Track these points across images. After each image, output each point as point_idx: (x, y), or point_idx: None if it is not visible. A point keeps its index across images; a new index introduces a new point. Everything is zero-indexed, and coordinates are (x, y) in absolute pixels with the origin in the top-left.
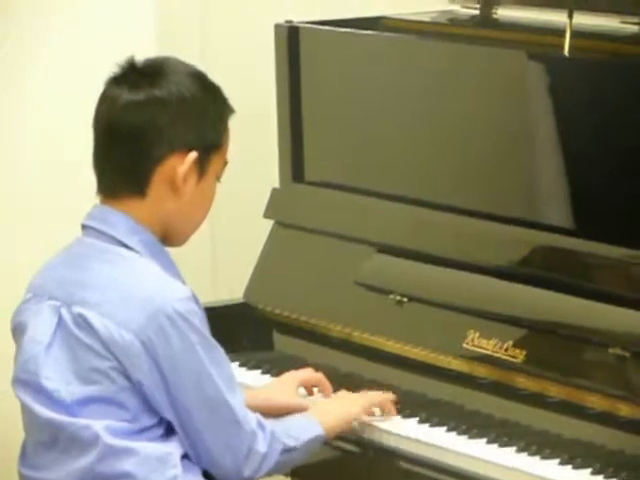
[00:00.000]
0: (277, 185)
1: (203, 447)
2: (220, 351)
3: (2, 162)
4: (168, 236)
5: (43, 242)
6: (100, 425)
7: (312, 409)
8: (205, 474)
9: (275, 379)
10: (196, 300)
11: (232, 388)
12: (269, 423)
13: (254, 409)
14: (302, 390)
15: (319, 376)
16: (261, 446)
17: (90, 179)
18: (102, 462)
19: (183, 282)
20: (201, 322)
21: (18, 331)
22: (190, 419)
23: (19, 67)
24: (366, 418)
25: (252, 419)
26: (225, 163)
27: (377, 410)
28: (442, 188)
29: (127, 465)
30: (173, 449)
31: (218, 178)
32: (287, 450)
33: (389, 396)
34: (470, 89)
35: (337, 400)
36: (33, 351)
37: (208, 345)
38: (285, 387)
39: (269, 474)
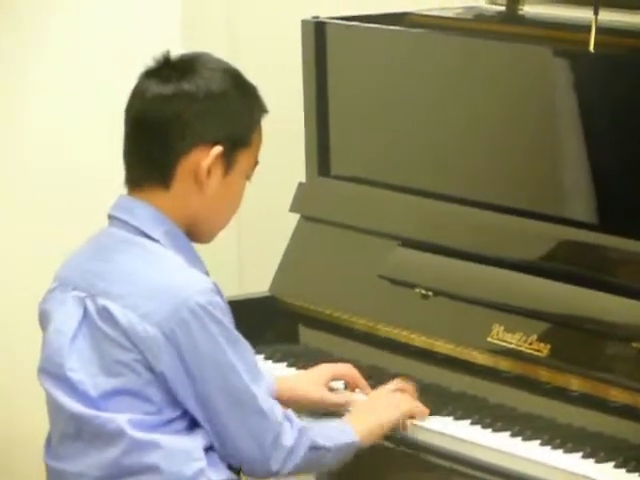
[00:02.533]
0: (303, 179)
1: (229, 439)
2: (243, 342)
3: (4, 161)
4: (194, 231)
5: (46, 242)
6: (124, 418)
7: (347, 416)
8: (231, 467)
9: (306, 372)
10: (219, 292)
11: (256, 379)
12: (301, 421)
13: (284, 399)
14: (338, 384)
15: (354, 374)
16: (288, 439)
17: (93, 177)
18: (127, 455)
19: (207, 274)
20: (223, 314)
21: (43, 319)
22: (215, 411)
23: (27, 65)
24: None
25: (278, 410)
26: (256, 163)
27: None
28: (467, 183)
29: (152, 458)
30: (198, 442)
31: (248, 177)
32: (316, 447)
33: (422, 408)
34: (495, 85)
35: (372, 408)
36: (58, 342)
37: (231, 336)
38: (314, 380)
39: (298, 472)
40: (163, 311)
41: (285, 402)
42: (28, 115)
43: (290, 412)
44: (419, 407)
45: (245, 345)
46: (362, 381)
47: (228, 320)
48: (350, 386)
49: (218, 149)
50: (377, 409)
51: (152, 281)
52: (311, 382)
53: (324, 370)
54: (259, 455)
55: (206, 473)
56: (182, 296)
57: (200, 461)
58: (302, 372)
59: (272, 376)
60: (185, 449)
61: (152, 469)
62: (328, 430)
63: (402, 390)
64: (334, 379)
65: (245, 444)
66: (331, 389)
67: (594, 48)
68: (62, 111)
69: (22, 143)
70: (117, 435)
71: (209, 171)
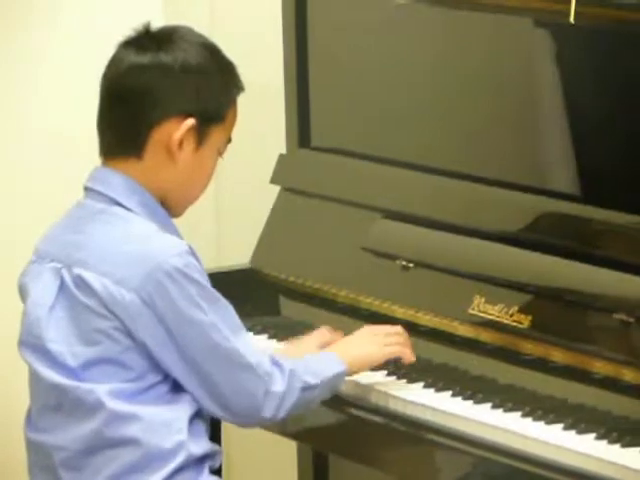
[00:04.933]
0: (284, 151)
1: (219, 395)
2: (221, 300)
3: (10, 156)
4: (166, 204)
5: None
6: (103, 389)
7: (333, 347)
8: (213, 437)
9: (293, 347)
10: (194, 253)
11: (238, 334)
12: (288, 361)
13: None
14: None
15: (334, 337)
16: (279, 386)
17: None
18: (107, 427)
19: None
20: (200, 274)
21: (22, 293)
22: (202, 369)
23: (27, 59)
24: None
25: (265, 360)
26: (229, 140)
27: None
28: (448, 154)
29: (132, 430)
30: (178, 414)
31: (220, 153)
32: (308, 387)
33: (408, 342)
34: (477, 56)
35: (358, 339)
36: (36, 314)
37: (209, 296)
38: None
39: (292, 412)
40: (139, 276)
41: None
42: (35, 107)
43: (276, 356)
44: (405, 352)
45: (224, 302)
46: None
47: (204, 279)
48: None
49: (190, 122)
50: (360, 341)
51: (127, 248)
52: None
53: (309, 345)
54: (251, 407)
55: (186, 446)
56: (157, 260)
57: (180, 434)
58: (291, 348)
59: None
60: (165, 421)
61: (131, 441)
62: (314, 365)
63: (395, 334)
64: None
65: (237, 399)
66: None
67: (574, 19)
68: (69, 98)
69: (29, 135)
70: (96, 407)
71: (181, 143)
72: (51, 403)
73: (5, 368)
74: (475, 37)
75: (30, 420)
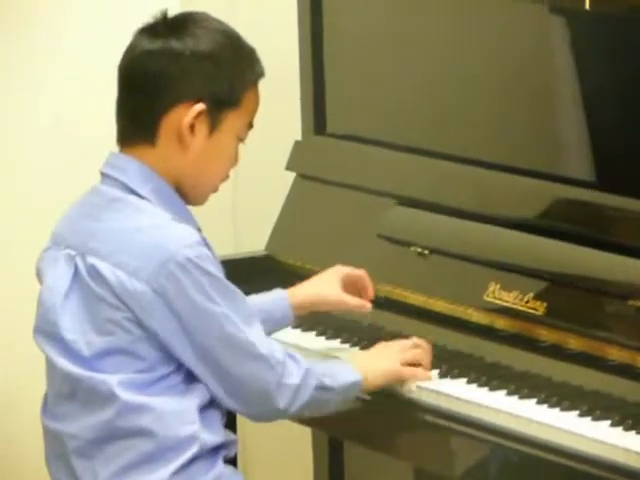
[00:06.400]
0: (299, 138)
1: (231, 385)
2: (234, 289)
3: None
4: (183, 191)
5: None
6: (115, 380)
7: (352, 361)
8: (228, 426)
9: (318, 276)
10: (206, 243)
11: (251, 324)
12: (307, 361)
13: (305, 307)
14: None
15: (361, 273)
16: (294, 377)
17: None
18: (119, 418)
19: (199, 230)
20: (212, 264)
21: (39, 278)
22: (214, 360)
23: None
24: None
25: (278, 351)
26: (250, 126)
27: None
28: (463, 141)
29: (144, 421)
30: (192, 402)
31: (241, 139)
32: (323, 387)
33: (427, 354)
34: (491, 42)
35: (373, 354)
36: (51, 301)
37: (221, 286)
38: (331, 283)
39: (303, 413)
40: (151, 267)
41: (306, 309)
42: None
43: (293, 352)
44: (422, 373)
45: (236, 292)
46: (367, 281)
47: (217, 270)
48: (357, 287)
49: (200, 106)
50: (375, 357)
51: (140, 238)
52: (327, 285)
53: (334, 273)
54: (264, 397)
55: (199, 436)
56: (169, 251)
57: (192, 424)
58: (313, 279)
59: (283, 292)
60: (177, 412)
61: (144, 432)
62: (332, 370)
63: (417, 346)
64: (344, 279)
65: (249, 389)
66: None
67: (590, 5)
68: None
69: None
70: (109, 398)
71: (192, 129)
72: (66, 392)
73: (6, 367)
74: (490, 22)
75: (46, 407)
